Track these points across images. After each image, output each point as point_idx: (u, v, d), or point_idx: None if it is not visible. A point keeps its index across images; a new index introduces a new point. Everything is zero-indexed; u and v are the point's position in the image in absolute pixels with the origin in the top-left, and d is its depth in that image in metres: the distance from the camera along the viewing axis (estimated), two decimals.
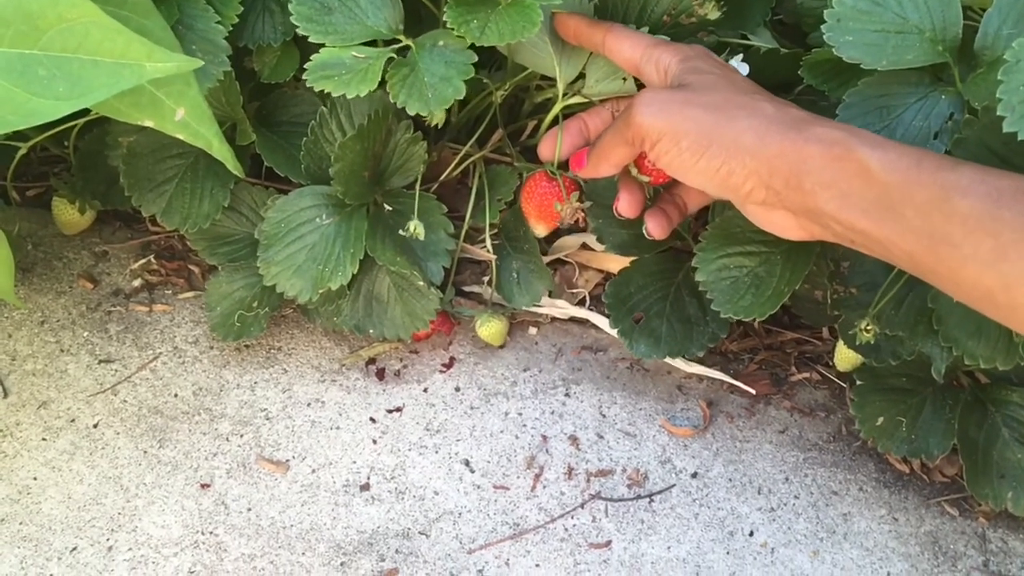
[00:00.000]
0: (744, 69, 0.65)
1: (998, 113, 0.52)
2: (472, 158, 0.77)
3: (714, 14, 0.65)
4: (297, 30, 0.63)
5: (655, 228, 0.62)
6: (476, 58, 0.62)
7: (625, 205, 0.62)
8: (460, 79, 0.61)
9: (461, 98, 0.61)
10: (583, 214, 0.69)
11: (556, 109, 0.68)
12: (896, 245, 0.47)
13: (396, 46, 0.64)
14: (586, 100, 0.67)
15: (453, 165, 0.76)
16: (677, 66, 0.56)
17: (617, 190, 0.62)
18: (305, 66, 0.62)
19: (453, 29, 0.60)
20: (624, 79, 0.65)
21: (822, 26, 0.60)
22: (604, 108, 0.66)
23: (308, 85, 0.61)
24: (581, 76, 0.67)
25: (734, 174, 0.51)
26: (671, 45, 0.58)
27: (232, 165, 0.59)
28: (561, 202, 0.68)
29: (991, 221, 0.43)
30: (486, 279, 0.79)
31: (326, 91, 0.61)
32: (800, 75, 0.66)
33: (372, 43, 0.64)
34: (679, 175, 0.55)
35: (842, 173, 0.48)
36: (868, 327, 0.64)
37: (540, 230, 0.73)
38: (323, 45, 0.62)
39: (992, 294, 0.44)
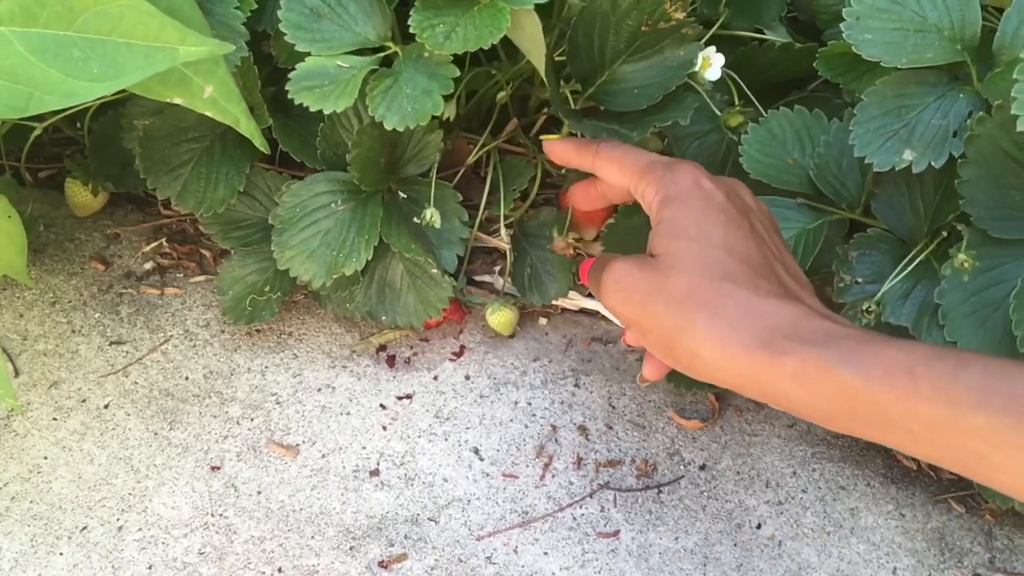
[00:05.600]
0: (719, 60, 0.65)
1: (1012, 112, 0.52)
2: (487, 147, 0.77)
3: (680, 14, 0.64)
4: (285, 38, 0.62)
5: (650, 374, 0.58)
6: (458, 73, 0.60)
7: (650, 371, 0.58)
8: (440, 93, 0.59)
9: (438, 114, 0.59)
10: (572, 251, 0.72)
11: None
12: (910, 450, 0.43)
13: (383, 54, 0.62)
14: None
15: (472, 156, 0.77)
16: (656, 214, 0.52)
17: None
18: (289, 75, 0.60)
19: (415, 34, 0.58)
20: None
21: (841, 24, 0.60)
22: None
23: (289, 97, 0.60)
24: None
25: (703, 376, 0.48)
26: (656, 176, 0.53)
27: (259, 142, 0.59)
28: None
29: (1017, 435, 0.39)
30: (497, 268, 0.79)
31: (304, 105, 0.59)
32: (815, 69, 0.66)
33: (361, 51, 0.62)
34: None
35: (822, 395, 0.43)
36: (869, 310, 0.64)
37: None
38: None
39: None
